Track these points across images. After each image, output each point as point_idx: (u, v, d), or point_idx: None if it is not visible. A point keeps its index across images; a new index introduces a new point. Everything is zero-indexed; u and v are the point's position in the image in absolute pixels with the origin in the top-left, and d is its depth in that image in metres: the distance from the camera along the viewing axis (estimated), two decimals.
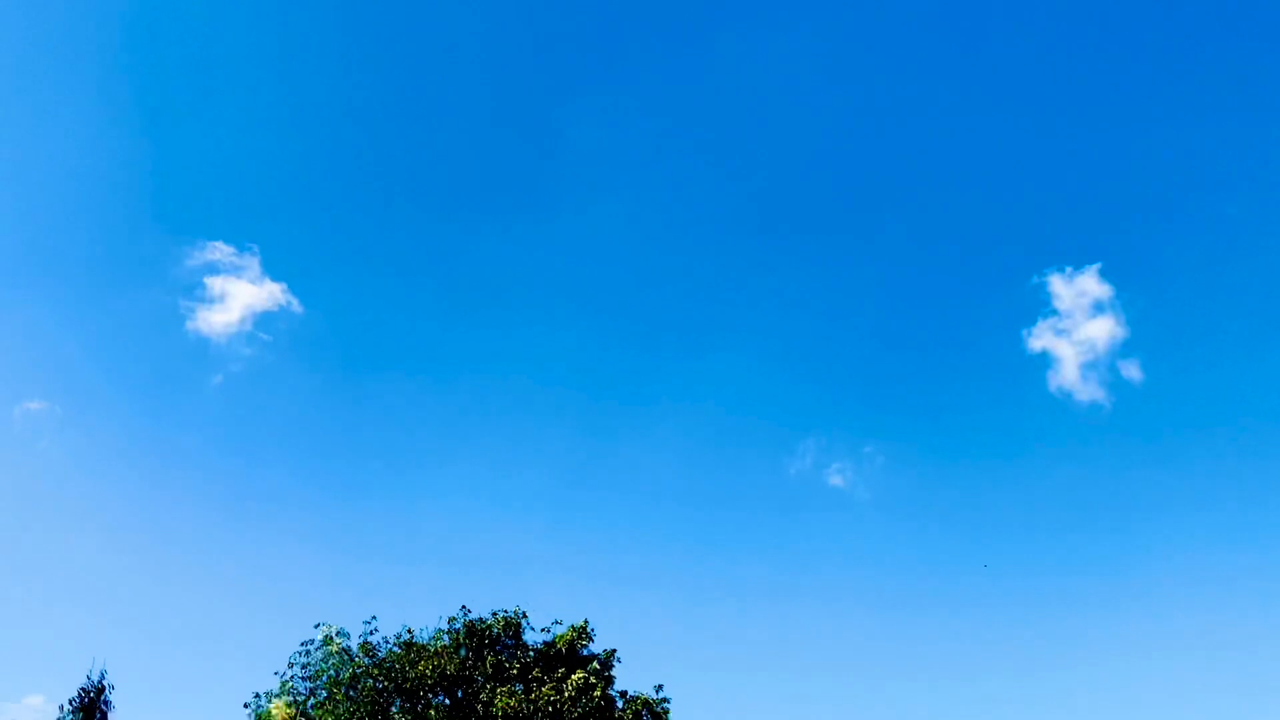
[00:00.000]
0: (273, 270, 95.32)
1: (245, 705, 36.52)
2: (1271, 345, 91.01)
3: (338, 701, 34.77)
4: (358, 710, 34.47)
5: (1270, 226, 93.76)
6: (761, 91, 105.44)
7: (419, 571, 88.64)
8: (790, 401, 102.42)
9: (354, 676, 35.80)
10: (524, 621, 39.15)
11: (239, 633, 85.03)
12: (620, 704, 35.95)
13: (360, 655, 37.23)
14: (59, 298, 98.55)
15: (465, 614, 39.13)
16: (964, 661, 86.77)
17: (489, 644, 38.02)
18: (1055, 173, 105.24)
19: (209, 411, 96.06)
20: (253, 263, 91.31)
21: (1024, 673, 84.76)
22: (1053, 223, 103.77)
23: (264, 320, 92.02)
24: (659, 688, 36.57)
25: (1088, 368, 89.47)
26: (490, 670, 36.14)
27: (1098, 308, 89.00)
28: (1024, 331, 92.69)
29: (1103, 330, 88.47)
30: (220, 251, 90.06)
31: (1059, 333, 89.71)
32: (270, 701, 36.47)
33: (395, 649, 37.35)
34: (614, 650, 37.49)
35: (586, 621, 38.52)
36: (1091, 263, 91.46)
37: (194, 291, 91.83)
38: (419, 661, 36.40)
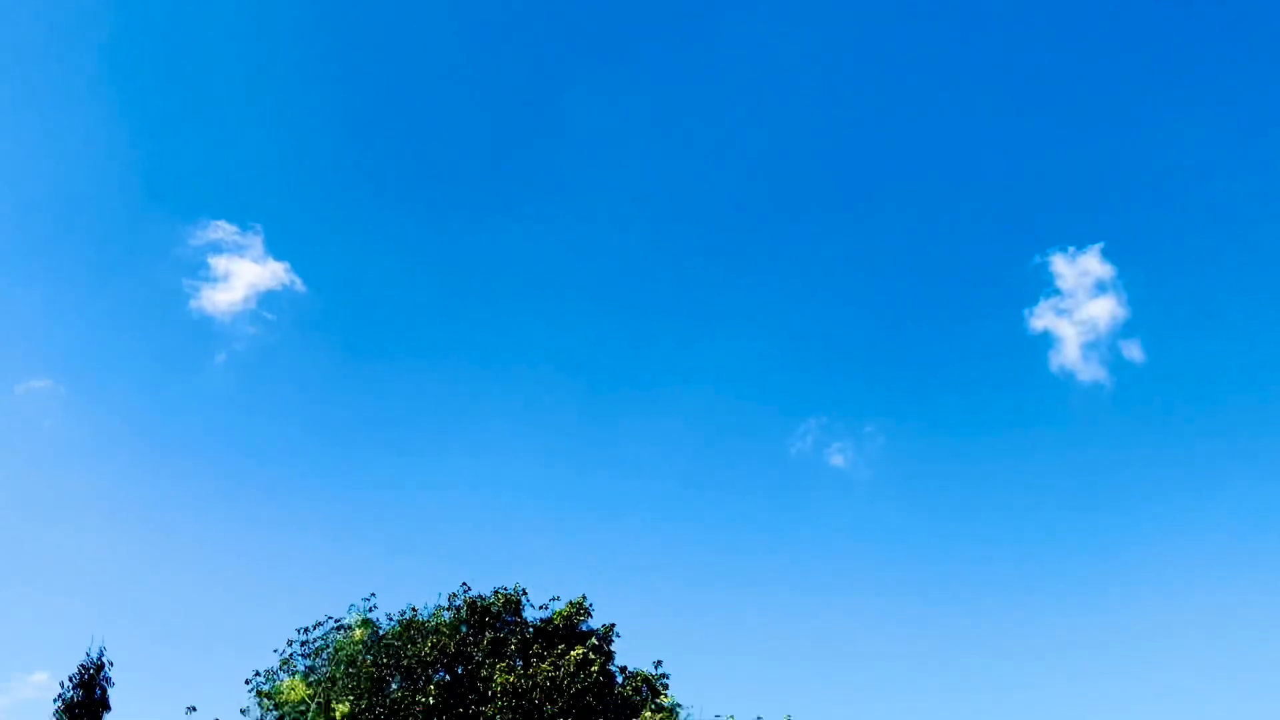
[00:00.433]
0: (276, 250, 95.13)
1: (246, 682, 36.61)
2: (1272, 326, 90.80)
3: (336, 679, 34.79)
4: (356, 687, 34.49)
5: (1273, 208, 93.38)
6: (759, 73, 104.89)
7: (421, 552, 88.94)
8: (790, 382, 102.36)
9: (353, 654, 35.82)
10: (524, 598, 39.25)
11: (241, 612, 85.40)
12: (620, 679, 35.99)
13: (357, 628, 37.29)
14: (62, 276, 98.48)
15: (466, 591, 39.23)
16: (965, 640, 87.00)
17: (489, 621, 38.07)
18: (1058, 152, 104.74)
19: (212, 390, 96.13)
20: (256, 242, 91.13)
21: (1024, 650, 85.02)
22: (1055, 202, 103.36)
23: (267, 299, 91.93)
24: (658, 663, 36.65)
25: (1089, 348, 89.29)
26: (490, 647, 36.16)
27: (1100, 287, 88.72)
28: (1025, 311, 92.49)
29: (1104, 310, 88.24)
30: (223, 230, 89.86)
31: (1060, 312, 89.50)
32: (270, 681, 36.51)
33: (396, 626, 37.40)
34: (613, 625, 37.54)
35: (584, 597, 38.59)
36: (1094, 242, 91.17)
37: (197, 270, 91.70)
38: (418, 639, 36.43)
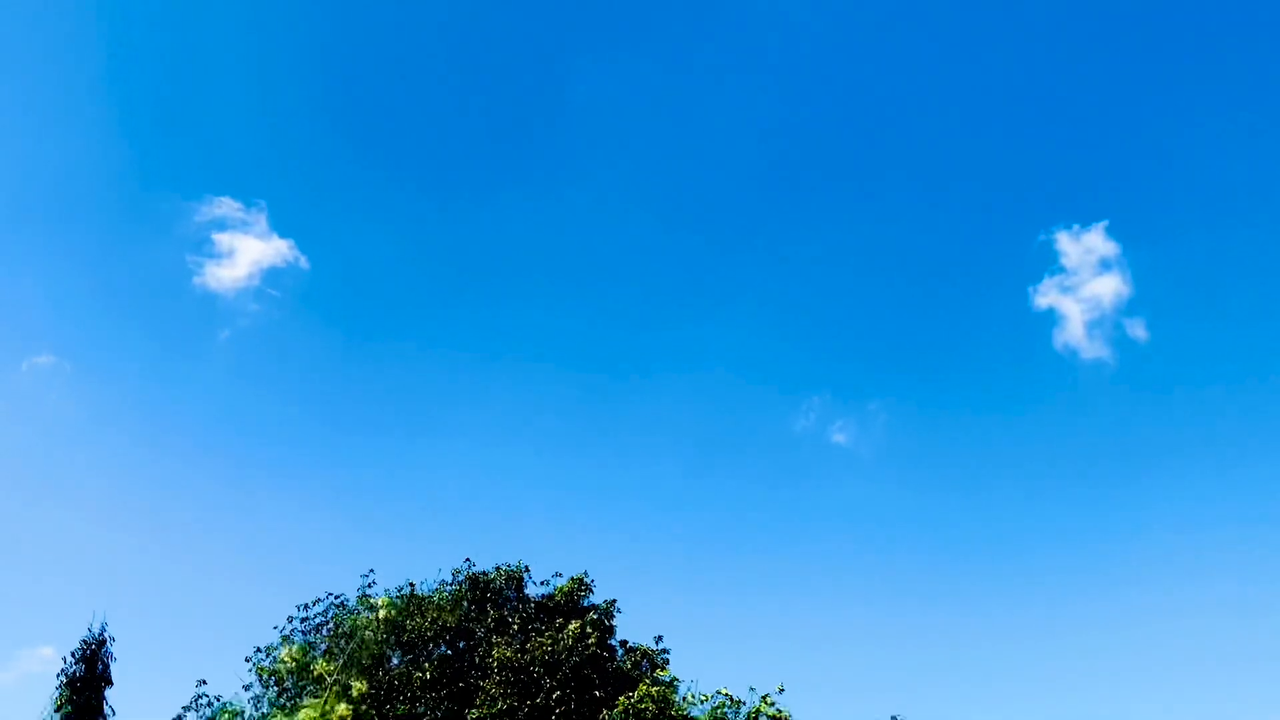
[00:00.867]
0: (280, 226, 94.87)
1: (247, 660, 36.81)
2: (1278, 305, 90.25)
3: (335, 655, 34.98)
4: (357, 662, 34.67)
5: (1279, 185, 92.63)
6: (761, 52, 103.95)
7: (423, 532, 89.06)
8: (793, 361, 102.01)
9: (353, 629, 35.99)
10: (526, 575, 39.41)
11: (243, 590, 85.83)
12: (620, 654, 36.11)
13: (360, 608, 37.44)
14: (66, 253, 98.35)
15: (469, 567, 39.42)
16: (966, 620, 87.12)
17: (491, 597, 38.22)
18: (1063, 129, 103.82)
19: (216, 368, 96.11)
20: (260, 218, 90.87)
21: (1026, 630, 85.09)
22: (1060, 179, 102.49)
23: (271, 276, 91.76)
24: (659, 639, 36.75)
25: (1093, 325, 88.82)
26: (492, 624, 36.30)
27: (1104, 265, 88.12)
28: (1030, 289, 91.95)
29: (1109, 288, 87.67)
30: (227, 206, 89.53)
31: (1065, 290, 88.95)
32: (270, 656, 36.72)
33: (396, 601, 37.54)
34: (614, 601, 37.63)
35: (586, 573, 38.75)
36: (1098, 219, 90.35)
37: (201, 247, 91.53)
38: (418, 614, 36.57)
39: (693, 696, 32.13)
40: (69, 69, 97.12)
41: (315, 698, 33.91)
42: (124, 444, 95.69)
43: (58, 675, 31.68)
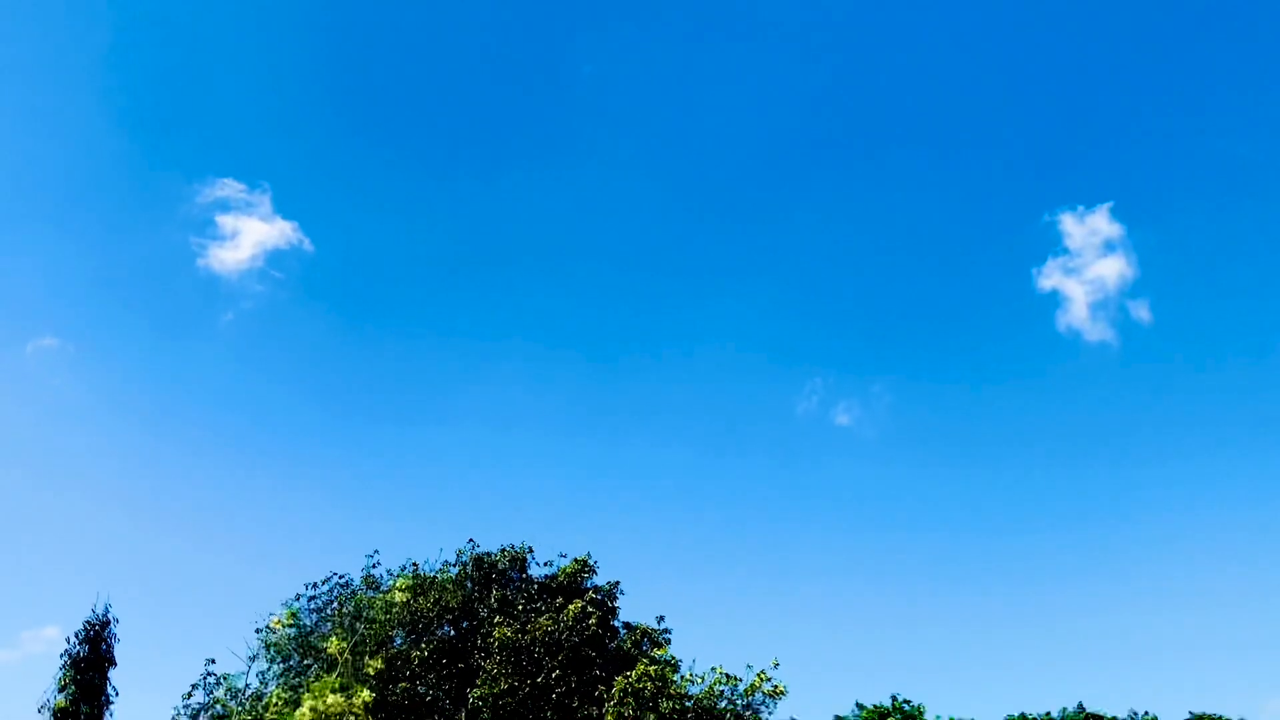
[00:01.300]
0: (284, 209, 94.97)
1: (257, 632, 36.87)
2: None
3: (343, 634, 35.08)
4: (362, 641, 34.78)
5: None
6: (772, 31, 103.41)
7: (428, 512, 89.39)
8: (797, 340, 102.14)
9: (359, 609, 36.09)
10: (529, 555, 39.41)
11: (245, 572, 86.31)
12: (623, 634, 36.18)
13: (364, 589, 37.53)
14: (69, 235, 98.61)
15: (473, 548, 39.39)
16: (968, 601, 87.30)
17: (495, 577, 38.26)
18: (1068, 111, 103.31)
19: (220, 350, 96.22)
20: (264, 200, 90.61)
21: (1029, 609, 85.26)
22: (1065, 161, 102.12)
23: (275, 258, 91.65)
24: (660, 619, 36.79)
25: (1097, 308, 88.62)
26: (495, 604, 36.35)
27: (1108, 247, 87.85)
28: (1034, 270, 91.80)
29: (1113, 269, 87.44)
30: (231, 188, 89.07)
31: (1069, 271, 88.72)
32: (277, 634, 36.86)
33: (408, 578, 37.62)
34: (617, 582, 37.67)
35: (589, 554, 38.74)
36: (1103, 201, 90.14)
37: (205, 229, 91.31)
38: (422, 594, 36.65)
39: (691, 675, 32.20)
40: (73, 52, 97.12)
41: (327, 674, 34.04)
42: (127, 426, 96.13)
43: (61, 655, 31.91)
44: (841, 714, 44.36)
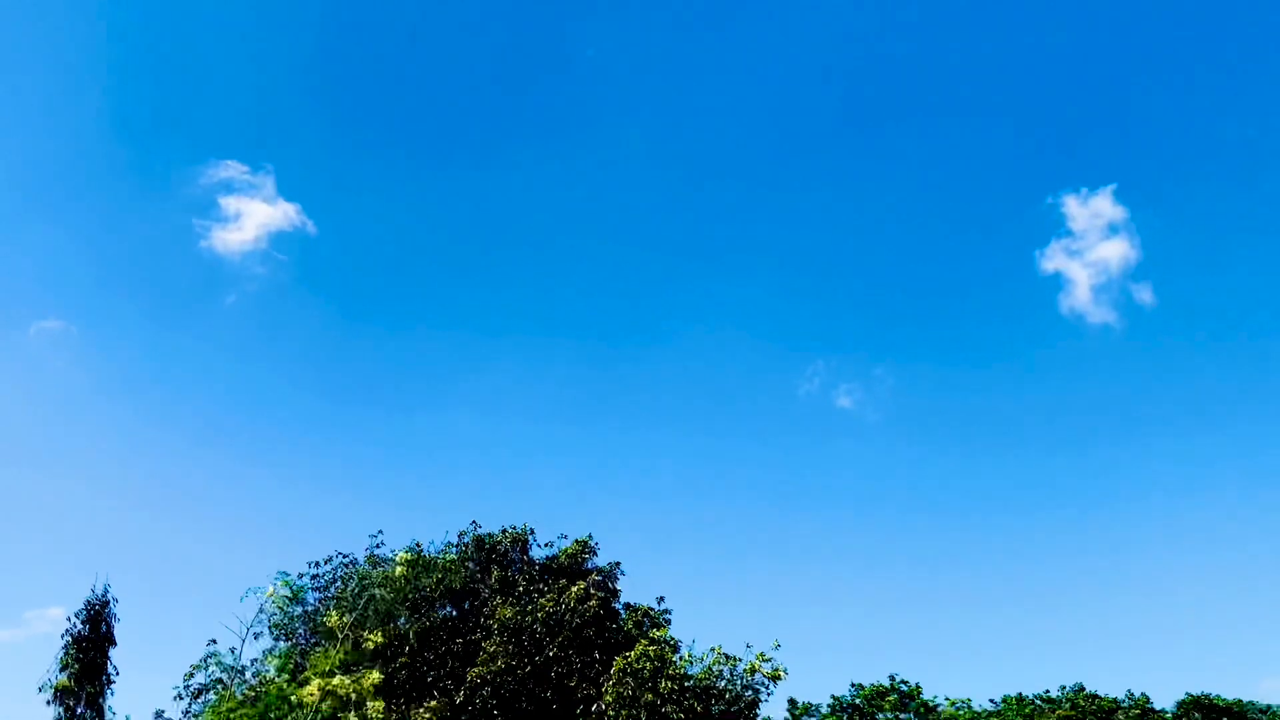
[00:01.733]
0: (287, 191, 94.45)
1: (261, 610, 36.89)
2: None
3: (345, 609, 35.18)
4: (365, 619, 34.87)
5: None
6: (775, 13, 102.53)
7: (430, 497, 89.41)
8: (799, 322, 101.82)
9: (362, 586, 36.14)
10: (531, 537, 39.47)
11: (245, 555, 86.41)
12: (623, 615, 36.22)
13: (367, 567, 37.57)
14: (73, 217, 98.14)
15: (475, 529, 39.44)
16: (969, 582, 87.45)
17: (496, 558, 38.30)
18: (1072, 93, 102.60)
19: (223, 332, 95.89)
20: (267, 182, 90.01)
21: (1029, 591, 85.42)
22: (1068, 143, 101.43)
23: (278, 240, 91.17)
24: (660, 599, 36.85)
25: (1100, 290, 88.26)
26: (496, 584, 36.40)
27: (1111, 229, 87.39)
28: (1037, 252, 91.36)
29: (1116, 252, 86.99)
30: (234, 170, 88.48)
31: (1072, 254, 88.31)
32: (283, 614, 36.95)
33: (411, 554, 37.68)
34: (618, 563, 37.75)
35: (590, 536, 38.82)
36: (1106, 184, 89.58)
37: (208, 210, 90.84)
38: (424, 574, 36.70)
39: (690, 655, 32.26)
40: (76, 34, 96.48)
41: (329, 645, 34.12)
42: (129, 409, 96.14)
43: (63, 635, 31.99)
44: (839, 694, 44.42)
